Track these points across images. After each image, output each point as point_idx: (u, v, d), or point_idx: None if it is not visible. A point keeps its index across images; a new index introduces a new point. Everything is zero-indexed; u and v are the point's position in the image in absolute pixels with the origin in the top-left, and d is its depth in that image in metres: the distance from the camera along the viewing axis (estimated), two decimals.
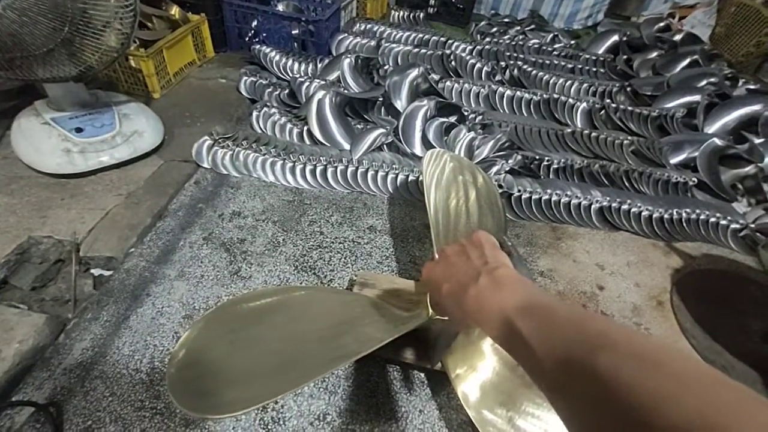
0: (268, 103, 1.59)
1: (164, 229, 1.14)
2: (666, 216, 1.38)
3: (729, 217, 1.41)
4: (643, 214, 1.38)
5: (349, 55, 1.72)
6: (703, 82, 1.98)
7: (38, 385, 0.81)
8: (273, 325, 0.72)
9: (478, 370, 0.78)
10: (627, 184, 1.49)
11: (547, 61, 2.17)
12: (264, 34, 1.96)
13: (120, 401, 0.80)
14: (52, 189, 1.17)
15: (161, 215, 1.18)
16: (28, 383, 0.81)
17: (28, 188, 1.16)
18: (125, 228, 1.10)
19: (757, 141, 1.68)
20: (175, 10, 1.74)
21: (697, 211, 1.40)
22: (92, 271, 1.02)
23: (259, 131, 1.51)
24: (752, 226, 1.39)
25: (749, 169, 1.61)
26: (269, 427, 0.80)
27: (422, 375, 0.92)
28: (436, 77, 1.82)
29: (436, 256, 0.92)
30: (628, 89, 2.00)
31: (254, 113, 1.53)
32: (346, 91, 1.59)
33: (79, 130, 1.21)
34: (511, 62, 2.04)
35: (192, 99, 1.63)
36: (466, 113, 1.62)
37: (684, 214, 1.39)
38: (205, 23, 1.81)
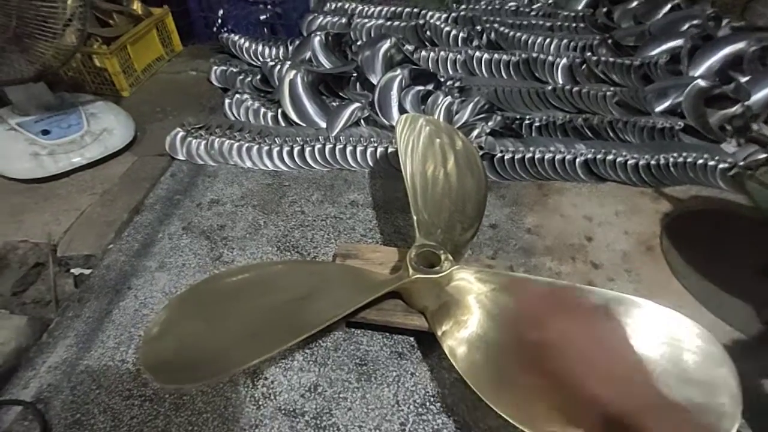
0: (240, 90, 1.55)
1: (142, 223, 1.13)
2: (653, 162, 1.35)
3: (717, 157, 1.38)
4: (629, 162, 1.35)
5: (318, 33, 1.68)
6: (686, 26, 1.93)
7: (24, 384, 0.80)
8: (248, 298, 0.71)
9: (464, 324, 0.77)
10: (612, 134, 1.46)
11: (525, 22, 2.12)
12: (232, 22, 1.91)
13: (108, 392, 0.80)
14: (25, 194, 1.16)
15: (138, 210, 1.16)
16: (13, 383, 0.80)
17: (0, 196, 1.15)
18: (102, 225, 1.09)
19: (743, 79, 1.64)
20: (136, 5, 1.70)
21: (684, 154, 1.37)
22: (72, 270, 1.01)
23: (233, 118, 1.48)
24: (742, 163, 1.36)
25: (736, 108, 1.57)
26: (260, 402, 0.80)
27: (412, 339, 0.91)
28: (410, 48, 1.77)
29: (415, 223, 0.91)
30: (609, 41, 1.95)
31: (227, 101, 1.50)
32: (317, 68, 1.55)
33: (45, 132, 1.19)
34: (488, 26, 1.98)
35: (162, 94, 1.60)
36: (442, 79, 1.58)
37: (671, 159, 1.36)
38: (168, 16, 1.77)
